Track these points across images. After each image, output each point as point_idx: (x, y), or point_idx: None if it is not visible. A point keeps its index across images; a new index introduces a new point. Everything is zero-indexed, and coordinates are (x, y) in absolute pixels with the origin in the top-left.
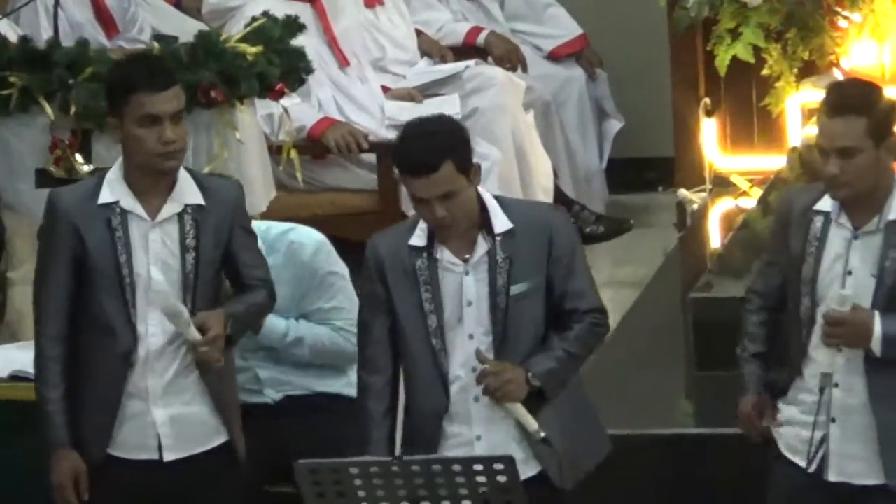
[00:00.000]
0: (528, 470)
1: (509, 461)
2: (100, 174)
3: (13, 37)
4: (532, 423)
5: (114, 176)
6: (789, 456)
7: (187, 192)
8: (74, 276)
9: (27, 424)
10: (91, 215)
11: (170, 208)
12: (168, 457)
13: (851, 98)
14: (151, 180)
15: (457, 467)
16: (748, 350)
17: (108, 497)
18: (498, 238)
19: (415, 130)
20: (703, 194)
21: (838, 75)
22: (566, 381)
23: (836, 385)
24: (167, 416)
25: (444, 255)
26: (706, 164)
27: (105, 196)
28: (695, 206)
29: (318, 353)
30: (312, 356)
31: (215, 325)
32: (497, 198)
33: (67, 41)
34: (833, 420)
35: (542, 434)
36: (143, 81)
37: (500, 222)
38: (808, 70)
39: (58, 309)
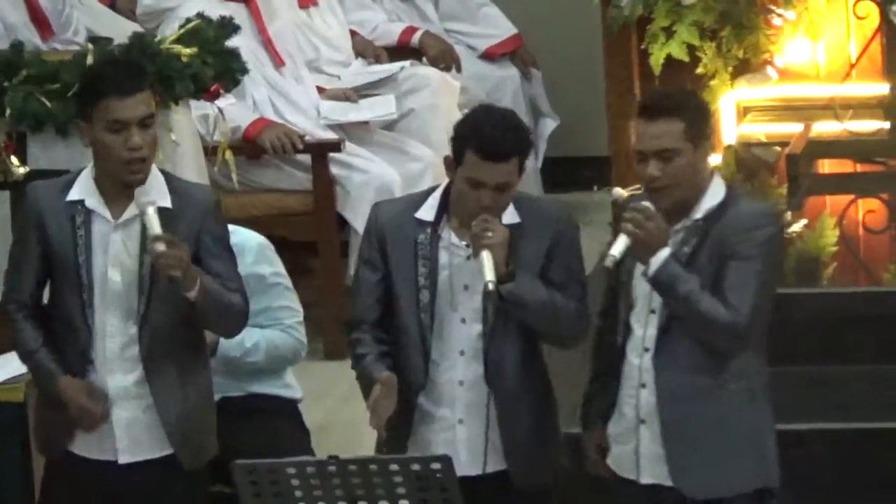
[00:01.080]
0: (492, 465)
1: (446, 461)
2: (77, 170)
3: None
4: (489, 274)
5: (85, 175)
6: (622, 474)
7: (153, 193)
8: (43, 267)
9: None
10: (57, 211)
11: (133, 209)
12: (123, 459)
13: (668, 101)
14: (116, 181)
15: (394, 467)
16: (589, 388)
17: (68, 494)
18: None
19: (498, 118)
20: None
21: (773, 73)
22: (531, 311)
23: (644, 386)
24: (123, 420)
25: (450, 235)
26: None
27: (73, 194)
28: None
29: (273, 358)
30: (267, 361)
31: (183, 248)
32: None
33: (2, 43)
34: (643, 422)
35: (493, 286)
36: (112, 86)
37: (509, 215)
38: (742, 68)
39: (24, 299)
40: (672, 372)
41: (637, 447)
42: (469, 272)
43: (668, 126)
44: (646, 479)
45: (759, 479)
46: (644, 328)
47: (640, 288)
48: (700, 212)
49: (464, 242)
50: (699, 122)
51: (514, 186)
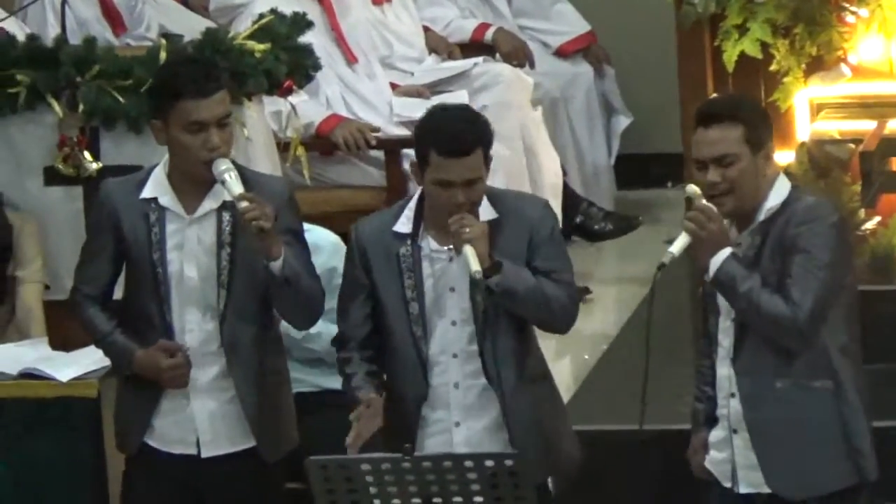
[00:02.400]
0: None
1: (521, 458)
2: (149, 167)
3: (21, 35)
4: (475, 265)
5: (158, 172)
6: (722, 481)
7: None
8: (115, 262)
9: (39, 421)
10: (131, 208)
11: (207, 205)
12: (206, 453)
13: (725, 107)
14: (193, 179)
15: (468, 464)
16: (697, 391)
17: (146, 486)
18: None
19: (452, 114)
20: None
21: (846, 71)
22: (521, 299)
23: (734, 395)
24: (206, 413)
25: (429, 243)
26: None
27: (146, 191)
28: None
29: (331, 353)
30: (327, 354)
31: (268, 206)
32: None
33: (74, 39)
34: (735, 431)
35: (480, 276)
36: (189, 87)
37: (486, 212)
38: (816, 65)
39: (95, 294)
40: (752, 377)
41: (732, 456)
42: (452, 275)
43: (725, 132)
44: (744, 489)
45: (855, 474)
46: (729, 338)
47: (722, 299)
48: (763, 213)
49: (444, 247)
50: (757, 127)
51: (484, 180)
